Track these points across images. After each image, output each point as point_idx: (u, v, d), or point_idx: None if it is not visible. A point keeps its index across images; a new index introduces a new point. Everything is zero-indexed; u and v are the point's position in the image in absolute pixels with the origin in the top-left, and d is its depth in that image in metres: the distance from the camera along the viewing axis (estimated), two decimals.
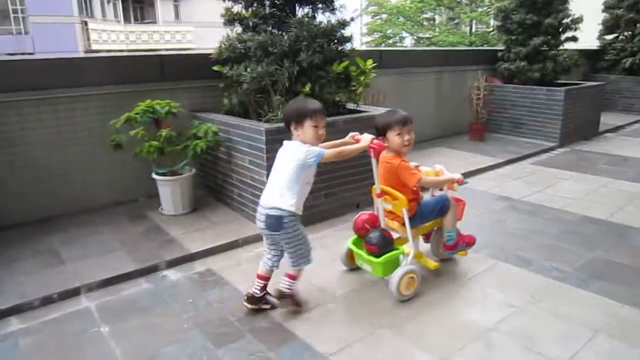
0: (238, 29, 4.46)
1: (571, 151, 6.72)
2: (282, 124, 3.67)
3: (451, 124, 7.43)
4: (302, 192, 2.53)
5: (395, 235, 2.92)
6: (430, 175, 3.00)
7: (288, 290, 2.62)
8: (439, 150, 6.59)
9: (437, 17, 32.44)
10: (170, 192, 3.99)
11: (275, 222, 2.48)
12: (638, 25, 9.85)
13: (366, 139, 2.67)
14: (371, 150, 2.70)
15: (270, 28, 4.30)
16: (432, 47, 8.53)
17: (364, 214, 2.97)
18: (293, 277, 2.63)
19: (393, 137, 2.77)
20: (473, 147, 6.75)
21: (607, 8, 10.62)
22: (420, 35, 29.65)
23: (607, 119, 8.62)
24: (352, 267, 3.14)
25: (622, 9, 10.32)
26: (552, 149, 6.85)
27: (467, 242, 3.15)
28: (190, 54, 5.47)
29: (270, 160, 3.59)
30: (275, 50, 3.96)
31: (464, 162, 5.98)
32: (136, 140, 3.82)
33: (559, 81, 7.64)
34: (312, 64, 3.90)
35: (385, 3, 30.93)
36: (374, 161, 2.79)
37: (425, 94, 7.02)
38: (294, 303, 2.65)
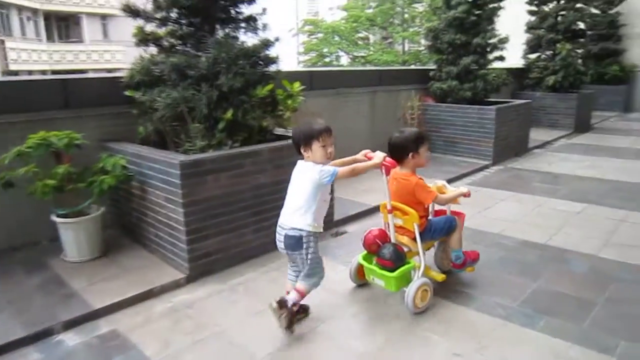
0: (153, 49, 4.05)
1: (505, 169, 6.76)
2: (200, 155, 3.36)
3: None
4: (319, 210, 2.59)
5: (404, 249, 2.96)
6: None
7: (292, 304, 2.57)
8: (375, 173, 6.39)
9: (371, 36, 33.22)
10: (74, 235, 3.47)
11: (295, 242, 2.55)
12: (558, 45, 10.29)
13: (379, 156, 2.76)
14: (383, 167, 2.77)
15: (188, 49, 3.93)
16: (366, 67, 8.29)
17: (373, 230, 3.03)
18: (302, 294, 2.62)
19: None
20: None
21: (530, 29, 11.07)
22: (356, 54, 30.22)
23: (535, 135, 8.86)
24: (361, 282, 3.17)
25: (543, 30, 10.78)
26: (486, 167, 6.86)
27: (473, 259, 3.23)
28: (99, 77, 4.95)
29: (189, 196, 3.25)
30: (192, 73, 3.58)
31: None
32: (30, 177, 3.30)
33: (490, 99, 7.75)
34: (233, 88, 3.55)
35: (320, 22, 31.31)
36: (385, 178, 2.85)
37: (360, 115, 6.85)
38: (289, 319, 2.54)
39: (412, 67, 10.83)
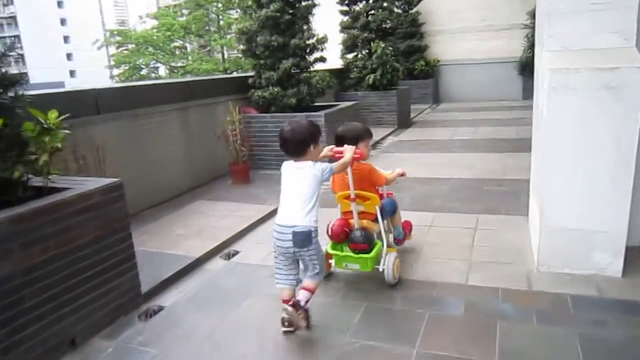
0: None
1: None
2: None
3: (208, 169, 6.20)
4: (317, 207, 2.66)
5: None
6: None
7: (306, 303, 2.65)
8: (199, 205, 5.25)
9: (188, 45, 31.53)
10: None
11: (306, 238, 2.58)
12: (372, 43, 10.28)
13: (350, 149, 2.87)
14: (354, 159, 2.91)
15: None
16: (171, 80, 7.02)
17: (335, 222, 3.13)
18: (313, 290, 2.69)
19: (364, 148, 3.05)
20: (239, 194, 5.62)
21: (344, 28, 10.93)
22: (174, 64, 28.28)
23: None
24: (330, 272, 3.27)
25: (356, 29, 10.71)
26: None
27: (410, 230, 3.63)
28: None
29: None
30: None
31: (231, 218, 4.79)
32: None
33: (317, 104, 7.17)
34: None
35: (130, 33, 28.65)
36: (350, 170, 2.95)
37: (169, 137, 5.62)
38: (305, 317, 2.63)
39: (229, 75, 9.83)
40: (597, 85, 2.78)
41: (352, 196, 3.02)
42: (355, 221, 3.10)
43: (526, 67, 13.79)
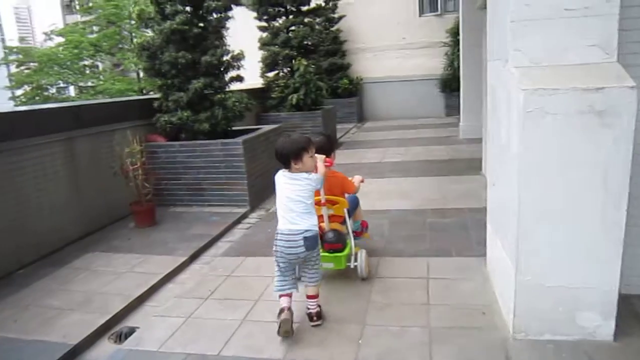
0: None
1: (267, 216, 5.33)
2: None
3: (104, 211, 5.14)
4: None
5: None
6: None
7: (319, 308, 2.88)
8: (89, 260, 4.19)
9: (100, 63, 29.37)
10: None
11: (315, 241, 2.81)
12: (294, 61, 9.64)
13: (321, 158, 2.97)
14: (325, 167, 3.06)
15: None
16: (51, 105, 5.83)
17: None
18: (318, 295, 2.90)
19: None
20: (142, 241, 4.63)
21: (263, 45, 10.20)
22: (82, 84, 26.14)
23: None
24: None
25: (277, 46, 10.03)
26: (244, 216, 5.37)
27: (366, 226, 3.88)
28: None
29: None
30: None
31: (128, 276, 3.81)
32: None
33: (236, 128, 6.35)
34: None
35: (32, 50, 26.22)
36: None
37: (50, 176, 4.52)
38: (320, 315, 2.88)
39: (128, 98, 8.74)
40: (581, 109, 2.22)
41: (323, 201, 3.23)
42: (325, 224, 3.31)
43: (447, 85, 13.84)
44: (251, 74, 10.79)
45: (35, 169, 4.35)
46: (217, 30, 6.05)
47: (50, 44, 26.17)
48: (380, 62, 14.85)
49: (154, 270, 3.90)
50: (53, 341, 2.90)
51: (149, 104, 5.89)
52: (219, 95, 5.86)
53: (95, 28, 25.86)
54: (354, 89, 14.50)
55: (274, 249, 2.80)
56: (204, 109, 5.80)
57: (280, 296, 2.82)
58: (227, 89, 6.14)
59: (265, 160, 6.06)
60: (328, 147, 3.31)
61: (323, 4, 12.83)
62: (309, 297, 2.87)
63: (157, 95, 6.01)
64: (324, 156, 3.02)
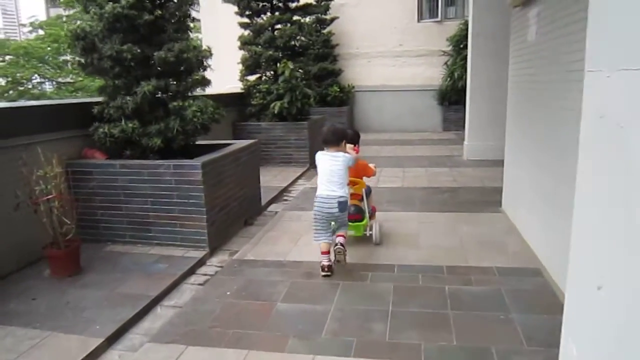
0: None
1: (230, 267, 3.99)
2: None
3: (10, 254, 3.80)
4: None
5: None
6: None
7: (345, 242, 3.71)
8: None
9: (81, 59, 27.78)
10: None
11: (345, 205, 3.69)
12: (279, 64, 8.39)
13: (350, 147, 4.05)
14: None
15: None
16: None
17: None
18: (345, 235, 3.77)
19: (349, 145, 4.06)
20: (50, 304, 3.29)
21: (244, 44, 8.93)
22: (61, 79, 24.56)
23: (269, 178, 6.77)
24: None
25: (260, 46, 8.77)
26: (200, 263, 4.08)
27: (375, 211, 4.59)
28: None
29: None
30: None
31: None
32: None
33: (201, 142, 5.09)
34: None
35: (7, 42, 24.66)
36: None
37: None
38: (345, 253, 3.68)
39: (60, 101, 7.32)
40: None
41: (347, 182, 3.79)
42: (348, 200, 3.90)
43: (445, 97, 12.72)
44: (231, 77, 9.54)
45: None
46: (179, 20, 4.78)
47: (27, 37, 24.63)
48: (374, 69, 13.67)
49: None
50: None
51: (89, 110, 4.56)
52: (175, 103, 4.57)
53: (79, 22, 24.42)
54: (344, 98, 13.27)
55: (313, 210, 3.71)
56: (156, 119, 4.51)
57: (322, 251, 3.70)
58: (189, 94, 4.85)
59: (232, 188, 4.78)
60: (356, 140, 4.29)
61: (314, 2, 11.63)
62: (338, 235, 3.71)
63: (101, 99, 4.69)
64: (352, 145, 4.09)
